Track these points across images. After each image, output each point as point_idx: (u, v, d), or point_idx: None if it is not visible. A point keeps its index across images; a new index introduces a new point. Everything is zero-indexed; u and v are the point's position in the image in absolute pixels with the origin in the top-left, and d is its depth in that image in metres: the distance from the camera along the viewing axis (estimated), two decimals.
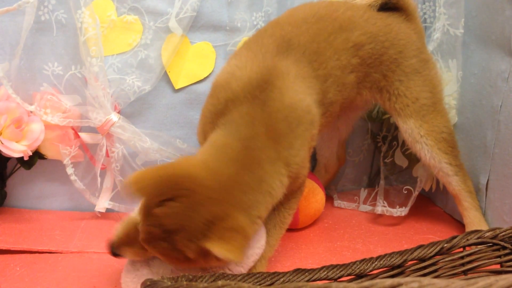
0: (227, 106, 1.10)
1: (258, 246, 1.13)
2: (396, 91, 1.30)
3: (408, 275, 1.01)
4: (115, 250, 1.04)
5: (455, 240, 1.04)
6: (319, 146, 1.56)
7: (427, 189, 1.53)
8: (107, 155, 1.40)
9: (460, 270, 1.04)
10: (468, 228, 1.36)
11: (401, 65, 1.29)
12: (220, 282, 0.81)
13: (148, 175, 0.97)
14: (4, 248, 1.29)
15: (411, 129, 1.32)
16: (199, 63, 1.45)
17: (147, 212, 0.97)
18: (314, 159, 1.61)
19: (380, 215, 1.50)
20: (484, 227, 1.34)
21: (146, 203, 0.97)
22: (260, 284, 0.94)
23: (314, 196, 1.44)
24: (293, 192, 1.17)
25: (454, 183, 1.36)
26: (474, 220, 1.36)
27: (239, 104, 1.09)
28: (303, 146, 1.11)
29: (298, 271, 0.97)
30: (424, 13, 1.53)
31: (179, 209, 0.95)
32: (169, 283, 0.65)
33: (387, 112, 1.42)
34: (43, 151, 1.37)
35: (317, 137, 1.21)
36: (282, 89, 1.10)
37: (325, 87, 1.19)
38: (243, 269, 1.09)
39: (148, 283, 0.68)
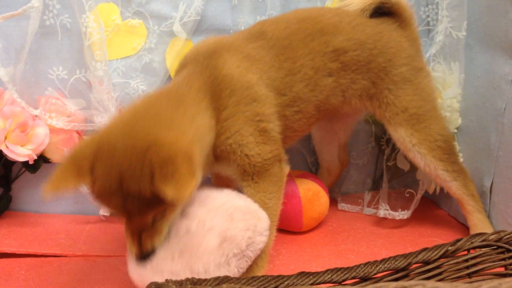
0: (178, 71, 1.19)
1: (265, 233, 1.12)
2: (385, 99, 1.30)
3: (412, 278, 1.01)
4: None
5: (459, 243, 1.04)
6: (319, 150, 1.57)
7: (430, 191, 1.53)
8: None
9: (464, 273, 1.04)
10: (473, 231, 1.36)
11: (390, 73, 1.29)
12: (224, 286, 0.81)
13: (59, 171, 0.94)
14: (9, 252, 1.30)
15: (402, 138, 1.32)
16: None
17: (97, 194, 0.96)
18: (317, 162, 1.61)
19: (385, 218, 1.50)
20: (488, 229, 1.34)
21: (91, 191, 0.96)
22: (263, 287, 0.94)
23: (318, 199, 1.44)
24: (248, 174, 1.16)
25: (454, 188, 1.36)
26: (478, 223, 1.36)
27: (184, 67, 1.17)
28: (236, 117, 1.12)
29: (302, 274, 0.97)
30: (427, 16, 1.54)
31: (102, 167, 0.93)
32: (174, 286, 0.66)
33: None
34: (48, 154, 1.38)
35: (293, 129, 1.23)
36: (226, 60, 1.15)
37: (289, 80, 1.20)
38: (251, 254, 1.09)
39: (153, 286, 0.69)
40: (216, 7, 1.44)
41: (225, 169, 1.17)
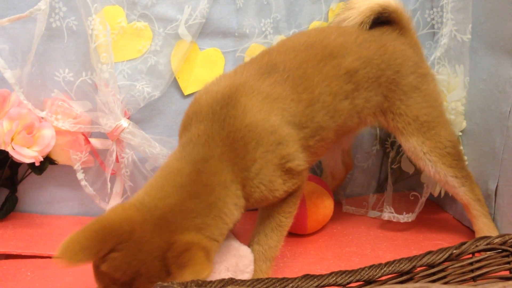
0: (191, 120, 1.12)
1: (247, 270, 1.14)
2: (398, 110, 1.29)
3: (417, 281, 1.01)
4: None
5: (464, 246, 1.03)
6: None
7: (435, 194, 1.53)
8: (117, 160, 1.41)
9: (469, 276, 1.04)
10: (478, 235, 1.36)
11: (399, 84, 1.28)
12: (230, 286, 0.82)
13: (78, 237, 0.90)
14: (15, 253, 1.30)
15: (414, 147, 1.31)
16: (208, 69, 1.46)
17: (96, 273, 0.94)
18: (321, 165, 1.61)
19: (389, 221, 1.50)
20: (494, 233, 1.34)
21: (93, 264, 0.94)
22: None
23: (322, 202, 1.44)
24: (277, 199, 1.16)
25: (462, 194, 1.35)
26: (483, 228, 1.36)
27: (200, 120, 1.10)
28: (265, 168, 1.09)
29: (307, 276, 0.97)
30: (432, 19, 1.54)
31: (124, 257, 0.92)
32: (178, 287, 0.66)
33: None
34: (54, 156, 1.39)
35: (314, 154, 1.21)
36: (246, 107, 1.09)
37: (310, 111, 1.17)
38: None
39: (158, 286, 0.69)
40: (221, 10, 1.45)
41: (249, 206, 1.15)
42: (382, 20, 1.31)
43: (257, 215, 1.23)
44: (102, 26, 1.33)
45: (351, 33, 1.27)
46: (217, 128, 1.07)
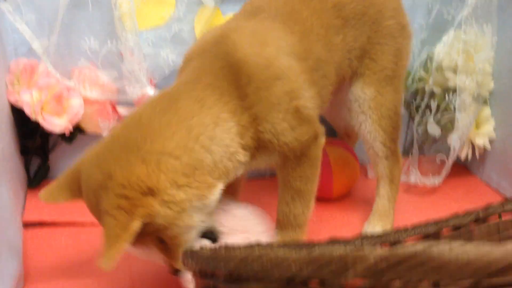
0: (184, 66, 1.08)
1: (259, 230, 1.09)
2: (374, 56, 1.23)
3: None
4: None
5: (490, 208, 1.03)
6: (330, 119, 1.53)
7: (462, 157, 1.52)
8: None
9: (496, 237, 1.04)
10: (372, 215, 1.33)
11: (380, 25, 1.22)
12: (256, 249, 0.84)
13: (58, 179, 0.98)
14: (49, 221, 1.34)
15: (364, 99, 1.25)
16: None
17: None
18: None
19: (415, 185, 1.50)
20: (389, 218, 1.31)
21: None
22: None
23: (348, 167, 1.45)
24: (288, 159, 1.08)
25: (380, 165, 1.30)
26: (381, 209, 1.32)
27: (191, 59, 1.06)
28: (259, 106, 1.00)
29: (333, 240, 0.98)
30: None
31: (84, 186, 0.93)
32: (209, 252, 0.68)
33: (420, 79, 1.40)
34: (83, 125, 1.41)
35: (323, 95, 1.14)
36: (236, 42, 1.02)
37: (307, 42, 1.10)
38: None
39: (188, 252, 0.71)
40: None
41: (266, 160, 1.08)
42: None
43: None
44: None
45: None
46: (208, 63, 1.02)
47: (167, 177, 0.89)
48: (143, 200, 0.86)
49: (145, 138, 0.91)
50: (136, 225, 0.85)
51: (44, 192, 0.98)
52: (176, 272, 0.99)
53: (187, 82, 1.01)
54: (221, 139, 0.97)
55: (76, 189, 0.95)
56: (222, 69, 1.00)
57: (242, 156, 1.01)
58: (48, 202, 0.98)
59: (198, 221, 0.95)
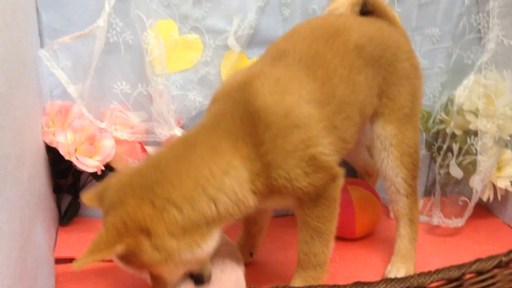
0: (209, 108, 1.15)
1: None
2: (391, 95, 1.28)
3: None
4: None
5: None
6: (349, 159, 1.56)
7: (484, 199, 1.53)
8: None
9: None
10: (395, 256, 1.33)
11: (396, 68, 1.27)
12: None
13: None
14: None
15: (385, 136, 1.29)
16: None
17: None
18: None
19: (438, 226, 1.51)
20: (411, 259, 1.32)
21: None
22: None
23: (370, 207, 1.47)
24: (304, 201, 1.11)
25: (401, 204, 1.32)
26: (403, 251, 1.33)
27: (215, 102, 1.12)
28: (274, 153, 1.04)
29: (357, 284, 1.01)
30: (478, 24, 1.55)
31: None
32: None
33: (442, 121, 1.43)
34: (113, 164, 1.45)
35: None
36: (258, 90, 1.06)
37: (329, 86, 1.14)
38: None
39: None
40: (268, 20, 1.50)
41: (280, 202, 1.13)
42: (369, 10, 1.33)
43: None
44: (156, 40, 1.39)
45: (349, 16, 1.30)
46: (230, 109, 1.07)
47: (166, 226, 0.97)
48: (136, 235, 0.95)
49: (158, 181, 0.99)
50: (119, 248, 0.94)
51: (84, 195, 1.07)
52: None
53: (206, 128, 1.07)
54: (230, 187, 1.02)
55: (102, 200, 1.04)
56: (241, 116, 1.05)
57: (252, 200, 1.06)
58: (86, 204, 1.07)
59: (184, 268, 1.03)
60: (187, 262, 1.01)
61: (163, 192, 0.98)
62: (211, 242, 1.02)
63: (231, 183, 1.02)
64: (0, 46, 0.92)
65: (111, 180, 1.04)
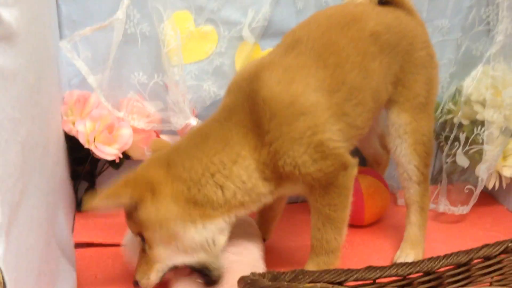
0: (224, 99, 1.20)
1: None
2: (407, 83, 1.30)
3: (474, 273, 1.07)
4: None
5: None
6: (360, 146, 1.58)
7: (490, 187, 1.57)
8: None
9: None
10: (404, 242, 1.37)
11: (412, 56, 1.29)
12: (301, 277, 0.91)
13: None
14: (97, 242, 1.41)
15: (400, 124, 1.31)
16: None
17: None
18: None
19: (444, 213, 1.55)
20: (420, 246, 1.35)
21: None
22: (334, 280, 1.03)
23: (379, 195, 1.51)
24: (315, 188, 1.15)
25: (412, 191, 1.35)
26: (412, 237, 1.36)
27: (227, 94, 1.19)
28: (280, 141, 1.09)
29: (369, 268, 1.04)
30: (487, 16, 1.57)
31: None
32: (269, 282, 0.75)
33: (449, 111, 1.46)
34: (130, 152, 1.49)
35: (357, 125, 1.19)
36: (265, 80, 1.11)
37: (340, 73, 1.16)
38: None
39: (248, 280, 0.78)
40: (282, 12, 1.53)
41: (293, 188, 1.16)
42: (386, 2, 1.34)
43: None
44: (173, 31, 1.43)
45: (368, 5, 1.31)
46: (241, 101, 1.12)
47: (172, 191, 1.08)
48: (141, 188, 1.06)
49: (174, 161, 1.10)
50: (123, 197, 1.06)
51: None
52: (136, 283, 1.13)
53: (219, 120, 1.15)
54: (238, 175, 1.11)
55: None
56: (250, 107, 1.11)
57: (263, 187, 1.13)
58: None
59: (174, 250, 1.11)
60: (180, 241, 1.09)
61: (176, 171, 1.09)
62: (210, 226, 1.10)
63: (239, 172, 1.10)
64: (28, 38, 0.95)
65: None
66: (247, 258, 1.19)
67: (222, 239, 1.12)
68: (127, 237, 1.23)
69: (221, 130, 1.12)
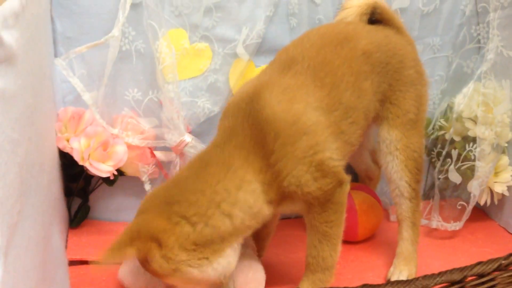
0: (221, 122, 1.20)
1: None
2: (396, 101, 1.32)
3: None
4: None
5: None
6: (352, 162, 1.60)
7: (482, 203, 1.58)
8: None
9: None
10: (396, 259, 1.37)
11: (402, 74, 1.32)
12: None
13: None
14: (89, 260, 1.40)
15: (390, 141, 1.33)
16: None
17: None
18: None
19: (436, 229, 1.56)
20: (413, 261, 1.36)
21: None
22: None
23: (372, 211, 1.52)
24: (313, 206, 1.16)
25: (404, 207, 1.36)
26: (405, 253, 1.37)
27: (227, 117, 1.17)
28: (284, 160, 1.09)
29: (365, 286, 1.05)
30: (478, 34, 1.60)
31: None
32: None
33: (441, 127, 1.47)
34: (124, 169, 1.49)
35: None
36: (266, 100, 1.11)
37: (336, 93, 1.18)
38: None
39: None
40: (276, 30, 1.54)
41: (291, 207, 1.17)
42: (377, 18, 1.38)
43: None
44: (168, 49, 1.43)
45: (358, 23, 1.34)
46: (240, 122, 1.12)
47: (177, 239, 1.03)
48: (147, 242, 1.02)
49: (177, 198, 1.07)
50: (129, 252, 1.02)
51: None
52: None
53: (219, 145, 1.13)
54: (244, 201, 1.09)
55: None
56: (251, 128, 1.11)
57: (267, 210, 1.13)
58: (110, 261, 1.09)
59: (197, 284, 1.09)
60: (197, 280, 1.07)
61: (180, 209, 1.05)
62: (222, 260, 1.08)
63: (245, 198, 1.09)
64: (26, 58, 0.95)
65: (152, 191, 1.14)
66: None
67: (234, 265, 1.12)
68: (124, 269, 1.25)
69: (222, 155, 1.11)
